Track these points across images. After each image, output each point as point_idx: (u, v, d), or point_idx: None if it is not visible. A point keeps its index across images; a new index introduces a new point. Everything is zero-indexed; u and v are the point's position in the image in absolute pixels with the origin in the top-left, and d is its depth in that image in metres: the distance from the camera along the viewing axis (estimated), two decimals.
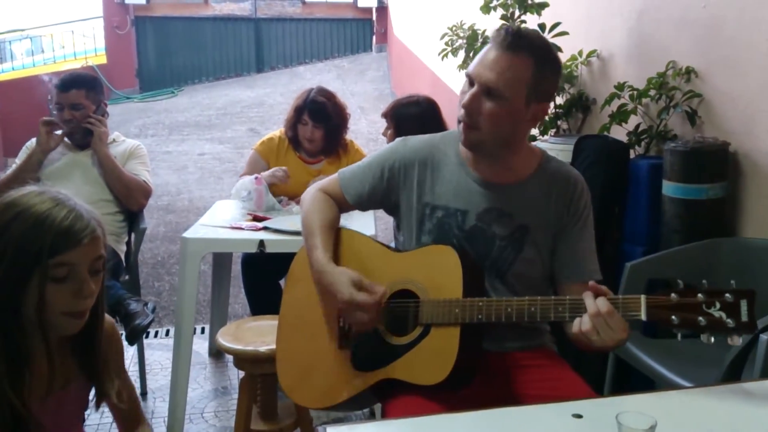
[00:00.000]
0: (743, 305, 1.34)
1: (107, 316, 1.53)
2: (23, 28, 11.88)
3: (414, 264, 1.71)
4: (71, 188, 3.08)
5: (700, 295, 1.37)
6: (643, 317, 1.41)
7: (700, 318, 1.36)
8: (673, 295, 1.39)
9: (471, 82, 1.65)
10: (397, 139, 1.88)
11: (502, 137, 1.67)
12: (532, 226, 1.73)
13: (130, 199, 3.06)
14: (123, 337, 2.51)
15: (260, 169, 3.27)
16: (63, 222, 1.30)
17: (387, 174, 1.81)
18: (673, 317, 1.38)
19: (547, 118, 3.62)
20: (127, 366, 3.39)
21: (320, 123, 3.24)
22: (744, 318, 1.34)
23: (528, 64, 1.60)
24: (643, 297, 1.42)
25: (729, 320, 1.34)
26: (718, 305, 1.35)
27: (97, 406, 1.52)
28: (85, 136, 3.04)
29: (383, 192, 1.83)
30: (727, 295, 1.35)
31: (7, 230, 1.29)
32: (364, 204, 1.88)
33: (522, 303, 1.54)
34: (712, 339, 1.37)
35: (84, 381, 1.48)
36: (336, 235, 1.82)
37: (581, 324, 1.45)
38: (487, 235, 1.73)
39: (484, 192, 1.74)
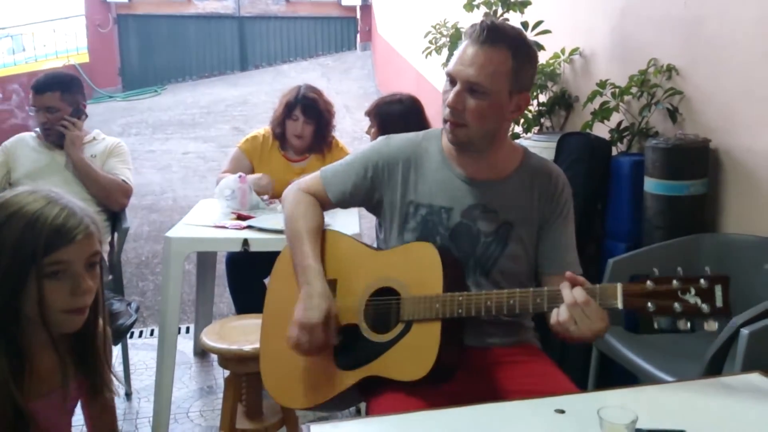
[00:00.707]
0: (718, 290, 1.35)
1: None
2: (4, 27, 11.75)
3: (395, 261, 1.72)
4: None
5: (675, 282, 1.38)
6: (620, 305, 1.42)
7: (676, 304, 1.37)
8: (648, 282, 1.40)
9: (452, 80, 1.66)
10: (380, 138, 1.88)
11: (489, 132, 1.69)
12: (517, 222, 1.74)
13: (109, 200, 3.02)
14: None
15: (244, 168, 3.26)
16: (56, 220, 1.30)
17: (370, 172, 1.82)
18: (649, 304, 1.39)
19: (530, 115, 3.64)
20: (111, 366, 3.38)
21: (312, 119, 3.25)
22: (719, 303, 1.35)
23: (506, 55, 1.62)
24: (619, 285, 1.43)
25: (704, 305, 1.35)
26: (693, 291, 1.36)
27: (95, 396, 1.52)
28: (60, 137, 2.99)
29: (366, 190, 1.83)
30: (702, 281, 1.36)
31: (0, 232, 1.29)
32: (346, 202, 1.88)
33: (501, 296, 1.55)
34: (689, 325, 1.37)
35: (80, 378, 1.48)
36: None
37: (558, 314, 1.46)
38: (472, 232, 1.73)
39: (469, 189, 1.75)
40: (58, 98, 2.98)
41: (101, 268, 1.41)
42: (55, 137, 3.01)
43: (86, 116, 3.10)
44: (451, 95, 1.65)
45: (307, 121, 3.24)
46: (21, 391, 1.33)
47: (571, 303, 1.44)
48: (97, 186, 2.98)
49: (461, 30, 3.84)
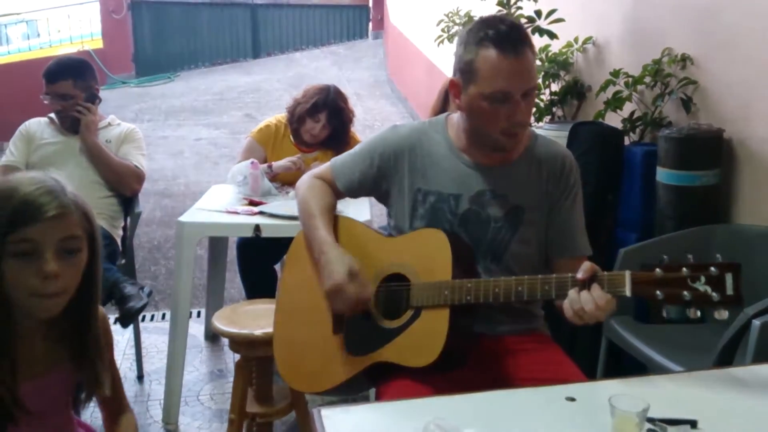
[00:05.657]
0: (728, 278, 1.31)
1: (100, 308, 1.50)
2: (19, 12, 11.78)
3: (405, 248, 1.73)
4: (63, 171, 3.04)
5: (684, 269, 1.35)
6: (628, 293, 1.40)
7: (685, 292, 1.34)
8: (657, 270, 1.37)
9: (504, 97, 1.62)
10: (388, 126, 1.90)
11: None
12: (527, 206, 1.75)
13: (121, 185, 3.04)
14: (116, 320, 2.52)
15: (258, 156, 3.27)
16: (27, 196, 1.26)
17: (377, 161, 1.83)
18: (658, 292, 1.36)
19: (542, 104, 3.62)
20: (123, 349, 3.41)
21: (332, 124, 3.28)
22: (729, 291, 1.31)
23: (532, 50, 1.65)
24: (627, 273, 1.41)
25: (714, 294, 1.32)
26: (703, 279, 1.33)
27: (89, 396, 1.49)
28: (75, 123, 3.01)
29: (373, 179, 1.84)
30: (712, 268, 1.33)
31: None
32: (355, 191, 1.89)
33: (509, 282, 1.55)
34: (699, 313, 1.34)
35: (70, 367, 1.44)
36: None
37: (564, 311, 1.48)
38: (482, 217, 1.74)
39: (476, 175, 1.75)
40: (70, 86, 2.98)
41: (95, 256, 1.36)
42: (70, 123, 3.04)
43: (100, 100, 3.10)
44: (521, 113, 1.64)
45: (326, 126, 3.26)
46: (5, 375, 1.30)
47: (578, 309, 1.44)
48: (110, 170, 3.00)
49: (474, 18, 3.82)
